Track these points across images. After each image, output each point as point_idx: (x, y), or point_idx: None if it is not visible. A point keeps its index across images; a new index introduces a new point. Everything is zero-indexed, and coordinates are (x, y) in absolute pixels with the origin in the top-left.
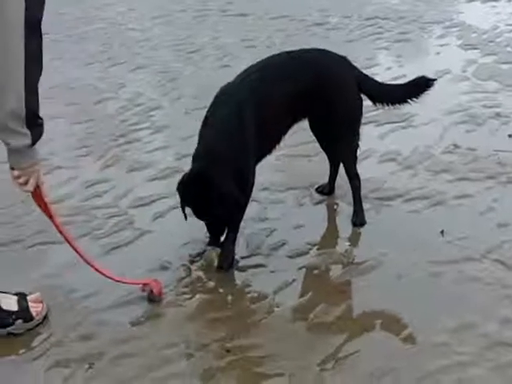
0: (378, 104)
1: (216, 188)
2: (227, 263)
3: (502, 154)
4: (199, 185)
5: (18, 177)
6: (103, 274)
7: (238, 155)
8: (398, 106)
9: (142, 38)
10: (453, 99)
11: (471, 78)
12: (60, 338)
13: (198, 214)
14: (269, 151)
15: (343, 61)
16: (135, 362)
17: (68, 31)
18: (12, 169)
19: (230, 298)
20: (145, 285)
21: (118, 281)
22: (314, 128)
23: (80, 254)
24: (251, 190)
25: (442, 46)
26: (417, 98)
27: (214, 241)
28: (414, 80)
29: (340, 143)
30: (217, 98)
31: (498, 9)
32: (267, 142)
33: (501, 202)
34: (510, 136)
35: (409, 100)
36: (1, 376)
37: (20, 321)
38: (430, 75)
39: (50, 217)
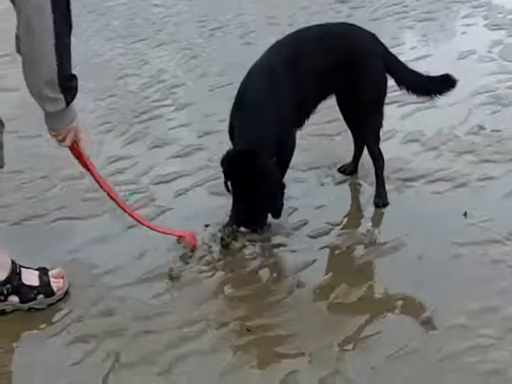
0: (399, 86)
1: (259, 166)
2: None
3: None
4: (243, 161)
5: (57, 134)
6: (142, 223)
7: (279, 129)
8: (416, 95)
9: (166, 13)
10: (478, 80)
11: (497, 58)
12: (81, 313)
13: (238, 192)
14: (300, 125)
15: (372, 37)
16: (156, 338)
17: (91, 7)
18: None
19: (250, 276)
20: (180, 237)
21: (153, 229)
22: (340, 104)
23: (119, 204)
24: (292, 155)
25: (467, 25)
26: (437, 95)
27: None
28: (439, 76)
29: (364, 121)
30: (250, 72)
31: None
32: (300, 115)
33: None
34: None
35: (430, 95)
36: (23, 350)
37: (41, 296)
38: (455, 55)
39: (89, 170)
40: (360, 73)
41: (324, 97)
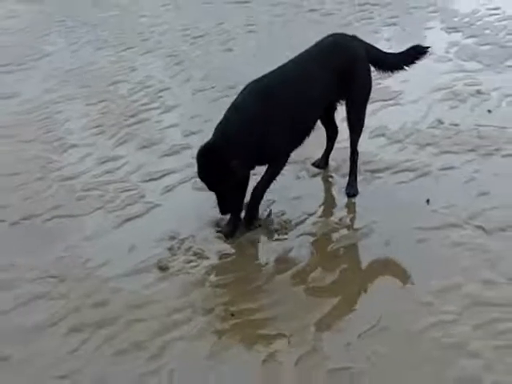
0: (381, 71)
1: (220, 158)
2: (229, 231)
3: (482, 128)
4: (209, 156)
5: None
6: None
7: (265, 140)
8: (397, 71)
9: (152, 23)
10: (437, 78)
11: (454, 58)
12: (77, 304)
13: (207, 184)
14: (307, 134)
15: (354, 39)
16: (147, 325)
17: (83, 18)
18: None
19: (233, 264)
20: None
21: None
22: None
23: None
24: (277, 174)
25: (426, 29)
26: (412, 63)
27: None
28: (410, 47)
29: (355, 115)
30: (245, 88)
31: None
32: (304, 126)
33: (481, 172)
34: (489, 111)
35: (406, 66)
36: (23, 339)
37: None
38: None
39: None
40: (353, 79)
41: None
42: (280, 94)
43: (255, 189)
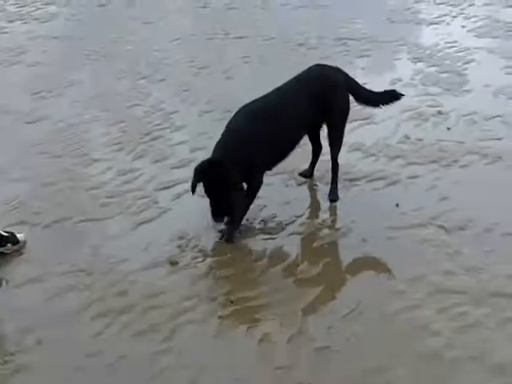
0: (358, 102)
1: (225, 173)
2: (229, 238)
3: (442, 142)
4: (214, 169)
5: None
6: None
7: (251, 157)
8: (372, 107)
9: (163, 56)
10: (404, 101)
11: (418, 84)
12: (101, 294)
13: (208, 192)
14: (286, 154)
15: (336, 69)
16: (161, 311)
17: (104, 52)
18: None
19: (233, 259)
20: None
21: None
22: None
23: None
24: (257, 190)
25: (395, 59)
26: (386, 104)
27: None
28: (387, 91)
29: (335, 133)
30: (237, 112)
31: (439, 30)
32: (284, 147)
33: (442, 180)
34: (448, 129)
35: (381, 105)
36: (55, 326)
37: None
38: (387, 82)
39: None
40: (333, 104)
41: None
42: (265, 117)
43: (240, 205)
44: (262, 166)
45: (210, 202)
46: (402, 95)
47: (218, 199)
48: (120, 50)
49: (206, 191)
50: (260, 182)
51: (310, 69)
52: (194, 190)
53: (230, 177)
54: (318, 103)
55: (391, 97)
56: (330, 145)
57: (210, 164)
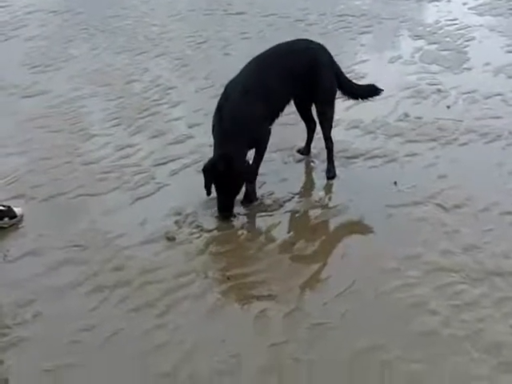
0: (340, 91)
1: (236, 168)
2: (253, 197)
3: (441, 121)
4: (223, 166)
5: None
6: None
7: (252, 132)
8: (349, 98)
9: (161, 31)
10: (404, 79)
11: (418, 62)
12: (97, 269)
13: (220, 189)
14: (277, 116)
15: (324, 51)
16: (157, 287)
17: (103, 27)
18: None
19: (229, 236)
20: None
21: None
22: (300, 104)
23: None
24: (265, 148)
25: (395, 36)
26: (365, 99)
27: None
28: (367, 85)
29: (323, 111)
30: (227, 87)
31: (440, 7)
32: (276, 111)
33: (440, 158)
34: (448, 107)
35: (359, 98)
36: (52, 300)
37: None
38: (387, 59)
39: None
40: (319, 79)
41: (294, 94)
42: (254, 90)
43: (250, 167)
44: (266, 128)
45: (219, 198)
46: (382, 90)
47: (231, 193)
48: (119, 24)
49: (217, 188)
50: (267, 138)
51: (294, 41)
52: (209, 191)
53: (242, 170)
54: (304, 78)
55: (370, 91)
56: (320, 123)
57: (220, 161)
